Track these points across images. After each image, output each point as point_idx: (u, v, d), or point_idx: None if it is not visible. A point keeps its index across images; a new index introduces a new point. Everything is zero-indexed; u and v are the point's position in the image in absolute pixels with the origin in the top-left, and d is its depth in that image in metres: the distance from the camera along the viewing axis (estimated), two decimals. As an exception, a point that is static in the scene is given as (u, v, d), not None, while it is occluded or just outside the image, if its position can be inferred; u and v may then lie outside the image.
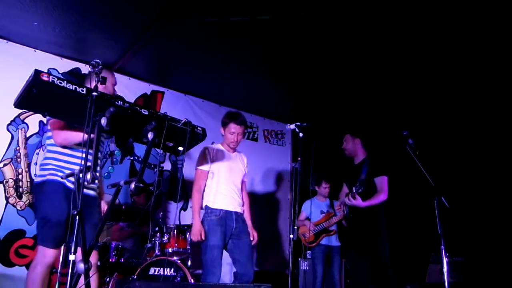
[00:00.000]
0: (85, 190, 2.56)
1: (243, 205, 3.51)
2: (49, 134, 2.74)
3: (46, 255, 2.55)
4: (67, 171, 2.57)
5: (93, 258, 2.70)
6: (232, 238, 3.29)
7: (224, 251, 3.32)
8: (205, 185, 3.41)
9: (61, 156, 2.71)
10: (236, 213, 3.36)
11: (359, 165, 4.00)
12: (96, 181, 2.49)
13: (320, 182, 5.00)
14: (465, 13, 3.45)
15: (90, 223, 2.66)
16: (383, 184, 3.86)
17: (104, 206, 3.16)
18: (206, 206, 3.35)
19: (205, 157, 3.41)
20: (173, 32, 3.96)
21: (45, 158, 2.75)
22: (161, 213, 4.16)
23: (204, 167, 3.40)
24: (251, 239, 3.40)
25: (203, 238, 3.21)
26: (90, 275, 2.01)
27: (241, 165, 3.58)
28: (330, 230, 4.80)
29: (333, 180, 4.99)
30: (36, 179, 2.79)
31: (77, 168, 2.65)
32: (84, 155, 1.91)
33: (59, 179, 2.58)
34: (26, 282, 2.57)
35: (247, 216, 3.51)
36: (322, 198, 5.02)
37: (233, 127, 3.40)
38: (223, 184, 3.37)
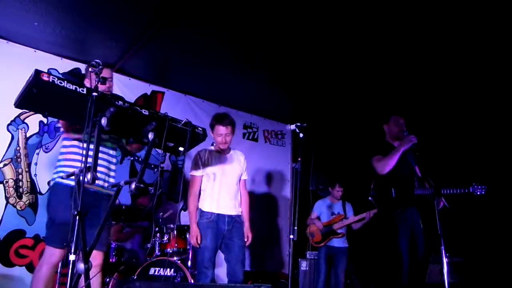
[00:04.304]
0: (91, 187, 2.57)
1: (239, 207, 3.48)
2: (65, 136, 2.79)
3: (53, 254, 2.56)
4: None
5: (97, 259, 2.66)
6: (224, 239, 3.32)
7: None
8: (200, 189, 3.43)
9: (71, 156, 2.72)
10: (229, 216, 3.36)
11: (405, 153, 3.69)
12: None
13: (334, 184, 4.95)
14: (464, 12, 3.46)
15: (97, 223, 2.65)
16: None
17: None
18: (200, 209, 3.39)
19: (197, 162, 3.43)
20: (173, 32, 3.96)
21: (58, 160, 2.81)
22: (161, 213, 4.16)
23: (197, 172, 3.43)
24: (245, 240, 3.40)
25: (200, 241, 3.25)
26: (91, 276, 2.00)
27: (236, 164, 3.51)
28: (338, 232, 4.77)
29: (347, 184, 4.95)
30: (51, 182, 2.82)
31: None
32: (85, 154, 1.91)
33: (67, 181, 2.59)
34: (32, 280, 2.59)
35: (245, 217, 3.49)
36: (335, 199, 5.00)
37: (220, 129, 3.36)
38: (216, 187, 3.38)
